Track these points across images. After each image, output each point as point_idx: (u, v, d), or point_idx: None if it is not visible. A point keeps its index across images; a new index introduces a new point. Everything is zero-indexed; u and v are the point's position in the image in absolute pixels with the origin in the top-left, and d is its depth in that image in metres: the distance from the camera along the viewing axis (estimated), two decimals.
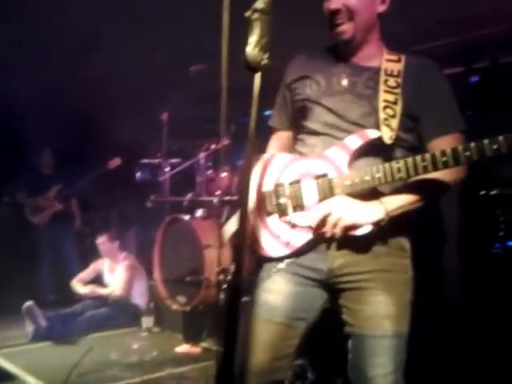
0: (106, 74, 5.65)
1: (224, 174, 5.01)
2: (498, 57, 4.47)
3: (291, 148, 2.21)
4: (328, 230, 1.87)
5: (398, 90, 1.94)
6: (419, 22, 4.07)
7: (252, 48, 1.47)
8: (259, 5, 1.49)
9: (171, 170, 5.55)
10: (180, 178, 5.63)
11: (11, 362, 4.30)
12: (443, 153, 1.73)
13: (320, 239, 1.94)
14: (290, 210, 1.99)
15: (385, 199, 1.90)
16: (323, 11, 1.98)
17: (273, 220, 2.04)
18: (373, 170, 1.84)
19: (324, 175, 1.93)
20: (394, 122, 1.91)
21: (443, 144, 1.86)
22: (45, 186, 6.49)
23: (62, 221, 6.50)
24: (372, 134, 1.90)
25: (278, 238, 2.02)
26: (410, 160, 1.78)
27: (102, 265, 5.73)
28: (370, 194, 1.90)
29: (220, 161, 5.24)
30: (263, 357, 1.97)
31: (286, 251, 2.00)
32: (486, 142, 1.65)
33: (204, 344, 4.64)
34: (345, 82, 2.01)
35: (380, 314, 1.92)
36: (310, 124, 2.05)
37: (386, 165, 1.82)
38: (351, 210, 1.86)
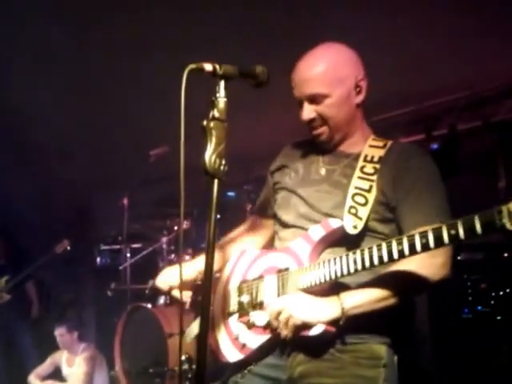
0: (65, 159, 5.62)
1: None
2: (456, 124, 4.54)
3: (260, 234, 2.19)
4: (279, 330, 1.73)
5: (374, 177, 1.85)
6: (379, 92, 4.20)
7: (209, 155, 1.48)
8: (215, 113, 1.51)
9: (132, 255, 5.43)
10: (142, 263, 5.50)
11: None
12: (399, 241, 1.58)
13: (276, 341, 1.82)
14: (250, 308, 1.91)
15: (344, 295, 1.72)
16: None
17: (233, 320, 1.96)
18: (330, 262, 1.71)
19: (286, 269, 1.85)
20: (364, 211, 1.80)
21: None
22: None
23: (14, 311, 6.16)
24: (334, 223, 1.80)
25: (235, 340, 1.92)
26: (366, 250, 1.64)
27: (60, 357, 5.45)
28: (334, 287, 1.77)
29: (181, 245, 5.15)
30: None
31: (240, 355, 1.89)
32: (443, 227, 1.49)
33: None
34: (323, 171, 1.98)
35: None
36: (284, 215, 2.01)
37: (343, 256, 1.69)
38: (302, 307, 1.71)
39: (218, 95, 1.53)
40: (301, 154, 2.10)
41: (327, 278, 1.71)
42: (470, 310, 3.99)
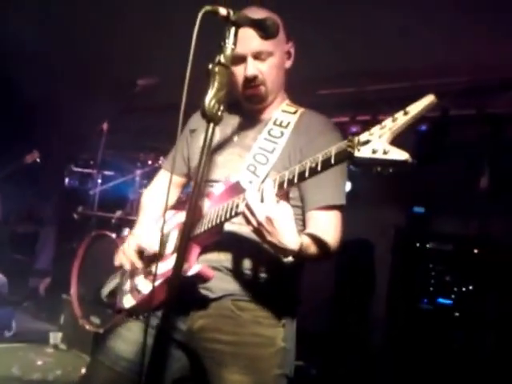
0: (52, 67, 5.44)
1: None
2: (449, 108, 4.49)
3: (173, 192, 2.24)
4: (259, 229, 1.61)
5: (279, 140, 1.92)
6: (377, 62, 4.16)
7: (209, 100, 1.49)
8: (222, 59, 1.51)
9: (103, 183, 5.35)
10: (112, 192, 5.44)
11: None
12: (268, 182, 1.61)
13: (166, 290, 1.79)
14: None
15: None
16: (234, 77, 1.94)
17: (139, 273, 2.03)
18: (223, 207, 1.74)
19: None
20: (263, 169, 1.87)
21: (320, 216, 1.85)
22: None
23: None
24: (232, 178, 1.85)
25: (133, 288, 2.00)
26: (238, 199, 1.68)
27: None
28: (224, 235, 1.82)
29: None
30: None
31: (133, 301, 1.96)
32: (307, 162, 1.52)
33: None
34: (237, 135, 2.03)
35: None
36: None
37: (226, 203, 1.73)
38: (288, 221, 1.61)
39: (227, 41, 1.53)
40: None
41: (214, 224, 1.74)
42: (430, 300, 4.02)
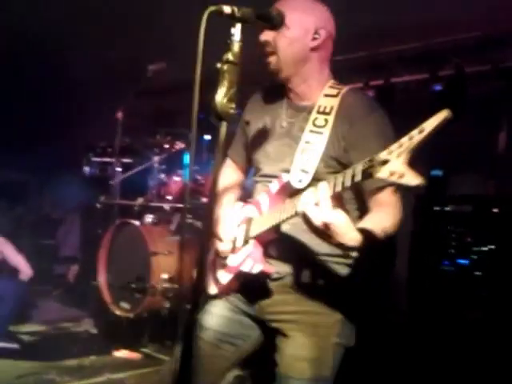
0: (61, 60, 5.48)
1: (177, 179, 4.99)
2: (464, 66, 4.36)
3: (237, 180, 2.33)
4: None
5: (324, 130, 1.91)
6: (388, 23, 4.04)
7: (221, 98, 1.52)
8: (229, 56, 1.54)
9: (123, 171, 5.40)
10: (131, 179, 5.48)
11: None
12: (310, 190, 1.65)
13: (239, 281, 2.05)
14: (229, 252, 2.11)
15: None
16: None
17: (219, 266, 2.18)
18: (281, 208, 1.81)
19: (251, 218, 2.03)
20: (311, 165, 1.88)
21: (379, 196, 1.85)
22: None
23: None
24: (284, 177, 1.91)
25: (214, 276, 2.18)
26: (296, 201, 1.70)
27: None
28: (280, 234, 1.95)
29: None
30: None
31: (215, 289, 2.15)
32: (338, 176, 1.55)
33: (144, 350, 4.60)
34: (284, 124, 2.05)
35: (298, 356, 1.94)
36: (256, 172, 2.17)
37: (288, 202, 1.79)
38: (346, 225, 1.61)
39: (233, 38, 1.55)
40: (269, 106, 2.14)
41: (277, 221, 1.83)
42: (450, 262, 4.04)
